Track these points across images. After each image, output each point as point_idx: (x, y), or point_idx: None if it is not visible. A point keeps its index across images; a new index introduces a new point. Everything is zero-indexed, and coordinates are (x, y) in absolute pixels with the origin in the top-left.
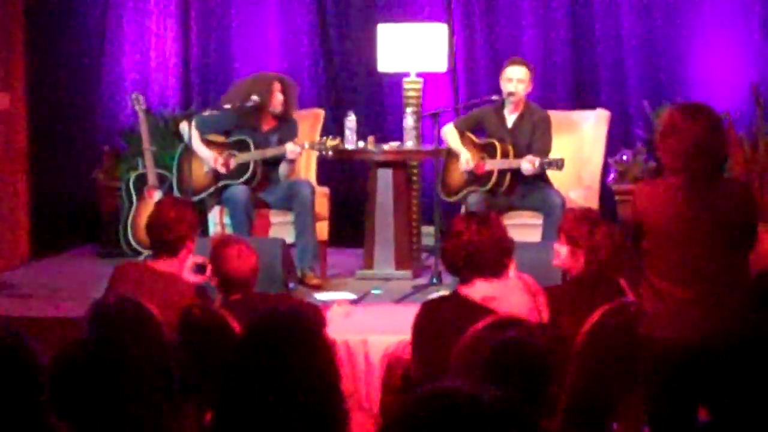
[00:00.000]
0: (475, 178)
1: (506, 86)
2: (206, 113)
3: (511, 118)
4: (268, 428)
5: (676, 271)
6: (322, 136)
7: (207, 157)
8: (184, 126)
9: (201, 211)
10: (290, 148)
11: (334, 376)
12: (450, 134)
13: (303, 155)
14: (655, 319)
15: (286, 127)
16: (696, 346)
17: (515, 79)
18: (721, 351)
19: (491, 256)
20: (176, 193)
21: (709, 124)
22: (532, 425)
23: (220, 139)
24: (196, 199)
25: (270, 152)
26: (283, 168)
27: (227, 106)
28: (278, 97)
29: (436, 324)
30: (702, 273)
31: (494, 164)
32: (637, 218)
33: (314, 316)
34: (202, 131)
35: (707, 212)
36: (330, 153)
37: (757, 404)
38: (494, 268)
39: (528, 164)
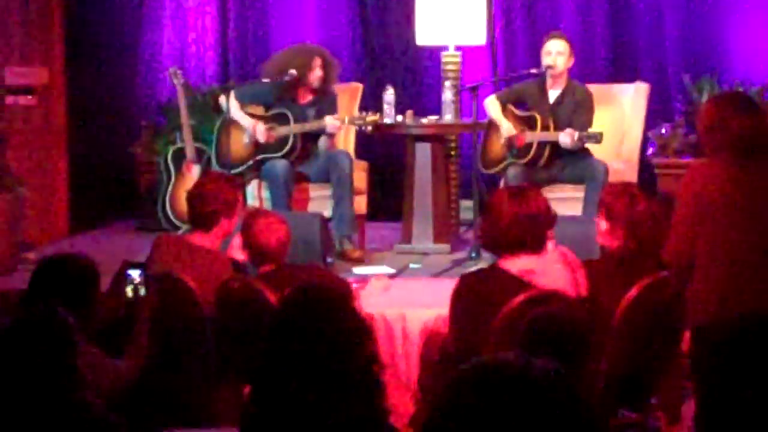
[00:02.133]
0: (515, 150)
1: (545, 60)
2: (245, 86)
3: (553, 93)
4: (305, 401)
5: (737, 250)
6: (360, 110)
7: (248, 125)
8: (223, 99)
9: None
10: (330, 122)
11: (369, 348)
12: (492, 106)
13: (342, 129)
14: (714, 300)
15: (324, 101)
16: (757, 323)
17: (554, 51)
18: None
19: (529, 230)
20: (215, 165)
21: (753, 113)
22: (583, 396)
23: (260, 111)
24: (234, 172)
25: (309, 126)
26: (322, 142)
27: (265, 80)
28: (317, 73)
29: (475, 297)
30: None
31: (534, 136)
32: (694, 199)
33: (345, 289)
34: (242, 103)
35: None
36: (369, 128)
37: None
38: (532, 243)
39: (566, 137)
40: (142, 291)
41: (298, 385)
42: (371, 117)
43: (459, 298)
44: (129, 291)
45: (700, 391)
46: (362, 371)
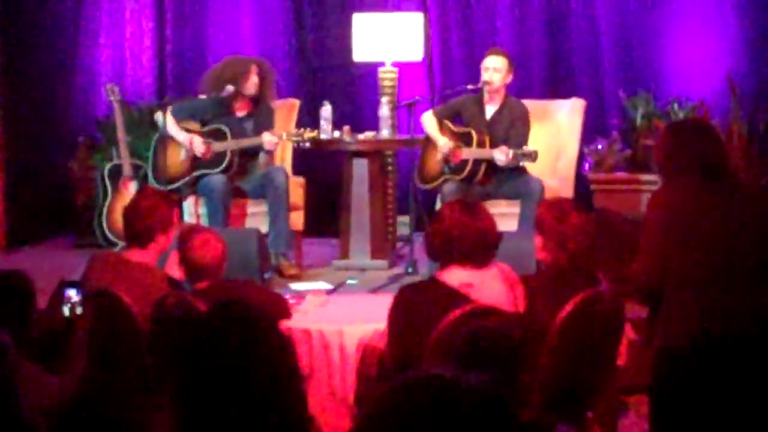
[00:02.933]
0: (451, 165)
1: (483, 75)
2: (182, 101)
3: (490, 109)
4: (226, 413)
5: (707, 272)
6: (297, 126)
7: (184, 140)
8: (158, 115)
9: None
10: (267, 138)
11: (288, 361)
12: (428, 122)
13: (279, 145)
14: (685, 322)
15: (262, 114)
16: (728, 346)
17: (491, 68)
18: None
19: (473, 245)
20: (151, 181)
21: (710, 138)
22: (513, 411)
23: (196, 127)
24: (171, 188)
25: (247, 142)
26: (261, 158)
27: (202, 96)
28: (253, 80)
29: (413, 309)
30: (735, 274)
31: (470, 153)
32: (661, 224)
33: (274, 306)
34: (178, 119)
35: (735, 211)
36: (307, 145)
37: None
38: (477, 257)
39: (501, 155)
40: (79, 310)
41: (218, 399)
42: (309, 133)
43: (397, 310)
44: (66, 310)
45: (660, 412)
46: (282, 384)
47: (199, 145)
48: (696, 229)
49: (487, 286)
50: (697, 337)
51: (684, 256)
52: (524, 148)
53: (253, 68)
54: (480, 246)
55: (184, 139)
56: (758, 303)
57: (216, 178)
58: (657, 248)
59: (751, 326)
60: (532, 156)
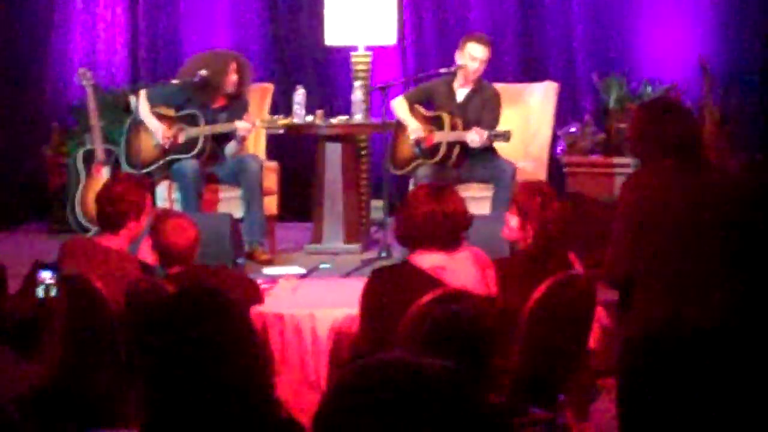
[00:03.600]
0: (423, 149)
1: (465, 61)
2: (156, 86)
3: (461, 92)
4: (193, 400)
5: (679, 260)
6: (271, 110)
7: (155, 129)
8: (133, 99)
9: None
10: (241, 125)
11: (254, 347)
12: (399, 106)
13: (252, 132)
14: (656, 312)
15: (236, 105)
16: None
17: (479, 59)
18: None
19: (444, 228)
20: (124, 166)
21: (684, 118)
22: (476, 396)
23: (170, 112)
24: (143, 172)
25: (220, 128)
26: (231, 146)
27: (175, 81)
28: (233, 78)
29: (385, 292)
30: (705, 263)
31: (442, 137)
32: (633, 210)
33: (246, 291)
34: (152, 103)
35: (707, 198)
36: (281, 131)
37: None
38: (446, 241)
39: (475, 135)
40: (54, 292)
41: (185, 383)
42: (282, 120)
43: (369, 294)
44: (40, 292)
45: (626, 402)
46: (248, 368)
47: (166, 139)
48: (668, 217)
49: (459, 269)
50: (664, 327)
51: (655, 244)
52: (497, 128)
53: (233, 65)
54: (447, 230)
55: (155, 127)
56: (727, 293)
57: (188, 164)
58: (627, 235)
59: (719, 316)
60: (506, 136)
